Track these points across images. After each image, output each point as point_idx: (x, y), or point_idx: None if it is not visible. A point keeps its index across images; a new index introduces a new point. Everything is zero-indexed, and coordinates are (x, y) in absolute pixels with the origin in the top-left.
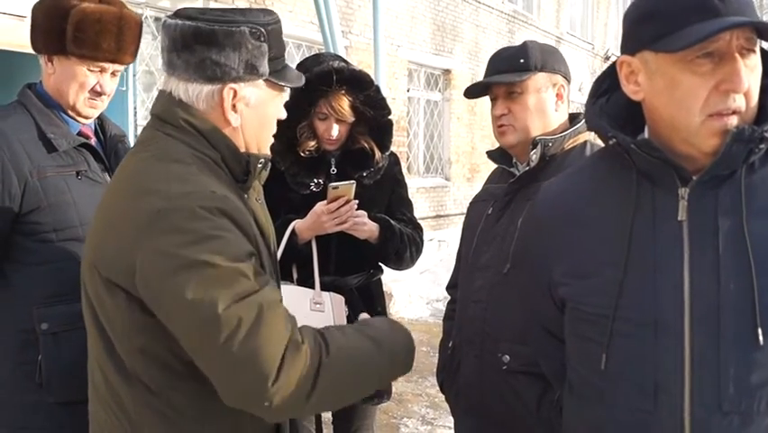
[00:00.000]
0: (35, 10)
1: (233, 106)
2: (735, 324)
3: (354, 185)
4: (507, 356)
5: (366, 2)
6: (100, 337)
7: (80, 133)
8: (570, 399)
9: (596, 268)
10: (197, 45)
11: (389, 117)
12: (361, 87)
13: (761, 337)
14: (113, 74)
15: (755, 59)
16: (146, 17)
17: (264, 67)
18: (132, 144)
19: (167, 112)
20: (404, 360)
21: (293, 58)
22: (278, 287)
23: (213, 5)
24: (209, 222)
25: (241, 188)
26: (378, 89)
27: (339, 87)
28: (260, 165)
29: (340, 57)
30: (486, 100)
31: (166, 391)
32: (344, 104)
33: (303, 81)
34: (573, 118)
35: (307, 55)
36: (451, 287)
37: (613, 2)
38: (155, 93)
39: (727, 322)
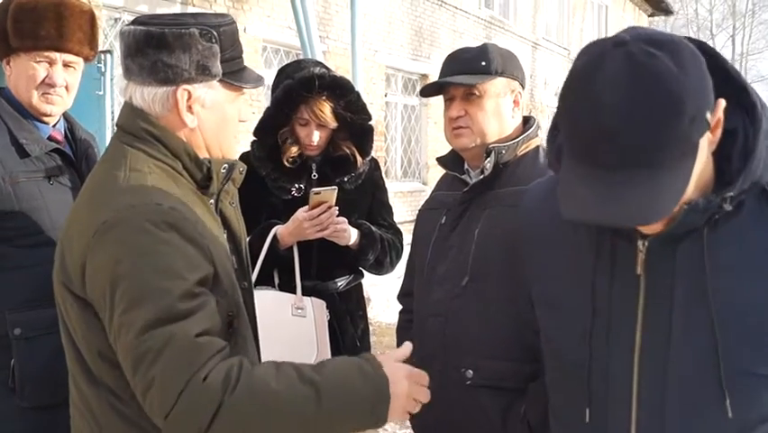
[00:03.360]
0: None
1: (189, 108)
2: (683, 392)
3: (336, 191)
4: (471, 371)
5: (344, 7)
6: (70, 344)
7: (51, 138)
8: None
9: (564, 302)
10: (149, 49)
11: (370, 123)
12: (343, 92)
13: (729, 411)
14: (67, 66)
15: None
16: (123, 21)
17: (216, 68)
18: (101, 148)
19: (128, 122)
20: (367, 412)
21: (271, 62)
22: (250, 291)
23: (191, 10)
24: (151, 236)
25: (204, 193)
26: (358, 95)
27: (320, 92)
28: (223, 170)
29: (321, 63)
30: None
31: (127, 393)
32: (326, 109)
33: (263, 82)
34: (526, 122)
35: (285, 60)
36: (402, 295)
37: (588, 8)
38: None
39: (674, 390)
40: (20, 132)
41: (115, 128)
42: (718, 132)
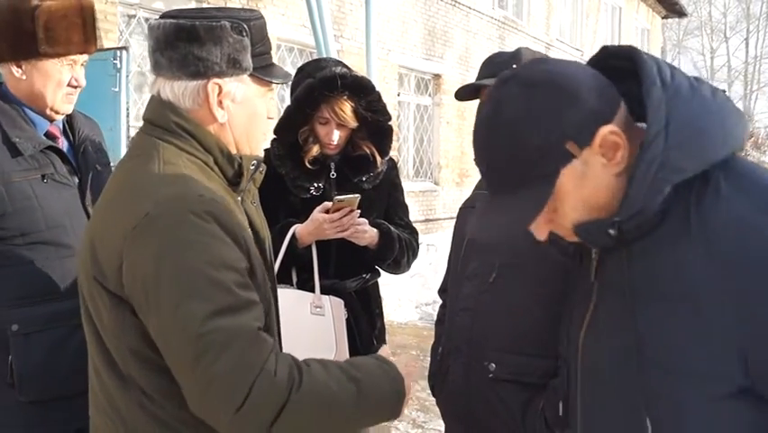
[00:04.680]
0: None
1: (220, 102)
2: (609, 410)
3: (359, 198)
4: (494, 364)
5: (357, 6)
6: (96, 342)
7: (48, 134)
8: None
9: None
10: (179, 42)
11: (390, 123)
12: (364, 92)
13: (649, 427)
14: (81, 65)
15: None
16: (139, 18)
17: (247, 61)
18: (113, 143)
19: (157, 116)
20: (390, 408)
21: (284, 60)
22: (274, 289)
23: (206, 7)
24: (197, 227)
25: (234, 190)
26: (379, 95)
27: (342, 92)
28: (252, 167)
29: (341, 62)
30: (476, 105)
31: (158, 393)
32: (347, 109)
33: (290, 78)
34: None
35: (299, 58)
36: (442, 291)
37: (602, 9)
38: (146, 94)
39: (596, 403)
40: (12, 130)
41: (142, 122)
42: (619, 155)
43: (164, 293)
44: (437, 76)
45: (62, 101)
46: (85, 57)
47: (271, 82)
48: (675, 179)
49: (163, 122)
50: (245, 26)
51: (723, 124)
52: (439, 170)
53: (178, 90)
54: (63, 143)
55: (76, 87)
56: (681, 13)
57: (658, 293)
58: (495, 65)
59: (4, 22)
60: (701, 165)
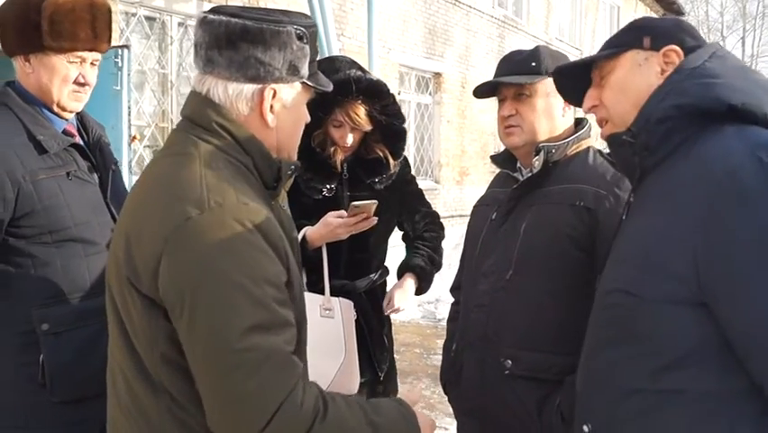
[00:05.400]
0: (3, 11)
1: (272, 107)
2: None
3: (375, 204)
4: (509, 361)
5: (359, 5)
6: (124, 343)
7: (65, 132)
8: None
9: None
10: (244, 42)
11: (404, 125)
12: (379, 96)
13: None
14: (92, 63)
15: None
16: (139, 17)
17: (305, 69)
18: (115, 142)
19: (199, 114)
20: None
21: None
22: (303, 296)
23: (206, 6)
24: (240, 236)
25: (270, 195)
26: (394, 99)
27: (356, 96)
28: (289, 172)
29: (356, 64)
30: (476, 104)
31: (187, 400)
32: (361, 113)
33: (332, 87)
34: (578, 123)
35: None
36: (454, 288)
37: (601, 8)
38: (147, 92)
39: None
40: (36, 128)
41: (180, 118)
42: (669, 72)
43: (200, 301)
44: (438, 74)
45: (69, 98)
46: (96, 55)
47: (322, 90)
48: (677, 100)
49: (204, 120)
50: (307, 33)
51: (753, 90)
52: (439, 169)
53: (233, 92)
54: (80, 142)
55: (83, 85)
56: (678, 12)
57: (644, 203)
58: (513, 63)
59: (14, 14)
60: (702, 97)
